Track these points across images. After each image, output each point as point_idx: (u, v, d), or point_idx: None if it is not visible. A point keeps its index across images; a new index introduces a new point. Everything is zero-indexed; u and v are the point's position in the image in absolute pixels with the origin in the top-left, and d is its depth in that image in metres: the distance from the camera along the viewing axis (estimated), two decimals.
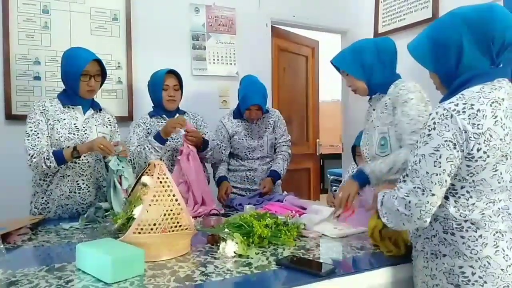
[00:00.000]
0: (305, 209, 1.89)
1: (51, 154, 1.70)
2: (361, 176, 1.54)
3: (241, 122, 2.41)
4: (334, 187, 4.47)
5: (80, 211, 1.85)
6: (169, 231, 1.21)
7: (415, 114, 1.47)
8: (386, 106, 1.60)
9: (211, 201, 1.99)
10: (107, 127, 1.96)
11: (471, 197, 1.01)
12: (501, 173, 0.99)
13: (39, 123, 1.77)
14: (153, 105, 2.18)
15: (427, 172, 0.98)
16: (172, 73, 2.11)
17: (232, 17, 3.01)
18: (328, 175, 4.65)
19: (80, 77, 1.77)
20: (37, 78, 2.43)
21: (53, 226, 1.67)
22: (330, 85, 5.03)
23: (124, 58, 2.64)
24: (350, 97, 3.62)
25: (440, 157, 0.97)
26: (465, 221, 1.01)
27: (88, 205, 1.86)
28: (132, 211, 1.29)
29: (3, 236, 1.42)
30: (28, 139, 1.75)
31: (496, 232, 1.00)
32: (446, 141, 0.96)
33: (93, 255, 1.07)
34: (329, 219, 1.61)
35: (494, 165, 0.97)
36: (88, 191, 1.87)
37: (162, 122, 2.11)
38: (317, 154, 3.90)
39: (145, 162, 1.95)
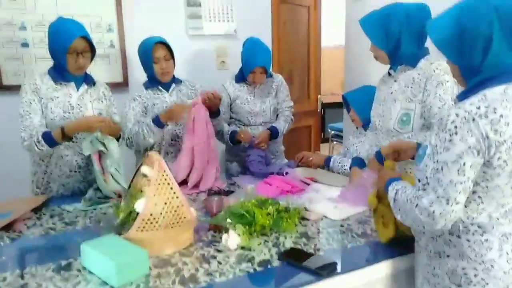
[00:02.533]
0: (307, 184, 1.90)
1: (40, 137, 1.65)
2: (381, 157, 1.52)
3: (244, 86, 2.34)
4: (334, 142, 4.48)
5: (82, 188, 1.86)
6: (171, 226, 1.22)
7: (449, 98, 1.43)
8: (414, 81, 1.53)
9: (215, 161, 1.97)
10: (102, 101, 1.89)
11: (482, 202, 0.99)
12: None
13: (31, 103, 1.71)
14: (147, 75, 2.10)
15: (451, 181, 0.93)
16: (161, 42, 1.98)
17: None
18: (329, 130, 4.63)
19: (66, 54, 1.68)
20: (25, 45, 2.31)
21: (57, 206, 1.68)
22: (333, 30, 4.83)
23: (115, 19, 2.49)
24: (353, 43, 3.43)
25: (464, 164, 0.92)
26: (472, 224, 1.00)
27: (90, 182, 1.86)
28: (133, 205, 1.29)
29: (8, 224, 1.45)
30: (21, 120, 1.70)
31: (502, 235, 1.00)
32: (469, 147, 0.91)
33: (98, 258, 1.09)
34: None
35: (510, 172, 0.95)
36: (88, 169, 1.86)
37: (158, 95, 2.04)
38: (318, 110, 3.84)
39: (142, 143, 1.94)
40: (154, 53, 1.96)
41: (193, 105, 1.91)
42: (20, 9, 2.27)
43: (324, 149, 4.64)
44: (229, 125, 2.40)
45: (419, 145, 1.25)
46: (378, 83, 1.78)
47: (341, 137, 4.08)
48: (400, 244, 1.24)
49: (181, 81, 2.14)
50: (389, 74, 1.68)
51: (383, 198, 1.28)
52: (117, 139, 1.82)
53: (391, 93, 1.63)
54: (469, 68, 1.00)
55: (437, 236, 1.07)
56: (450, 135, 0.93)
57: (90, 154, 1.71)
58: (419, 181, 1.04)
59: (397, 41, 1.53)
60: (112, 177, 1.75)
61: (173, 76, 2.10)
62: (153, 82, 2.05)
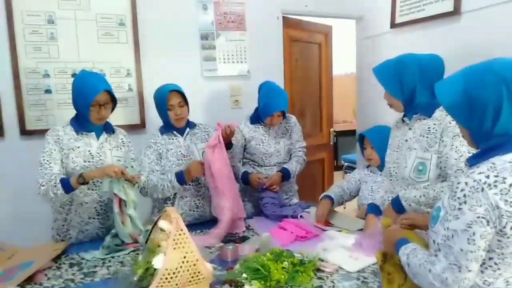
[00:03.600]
0: (322, 229, 1.91)
1: (58, 181, 1.70)
2: (398, 205, 1.58)
3: (259, 127, 2.39)
4: (348, 174, 4.46)
5: (100, 234, 1.90)
6: (188, 284, 1.24)
7: (466, 150, 1.43)
8: (430, 131, 1.55)
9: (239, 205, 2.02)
10: (121, 149, 1.95)
11: (498, 268, 0.99)
12: None
13: (51, 153, 1.78)
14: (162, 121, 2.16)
15: (461, 249, 0.95)
16: (175, 90, 2.05)
17: (241, 12, 2.89)
18: (342, 161, 4.63)
19: (89, 107, 1.76)
20: (48, 91, 2.42)
21: (76, 254, 1.72)
22: (344, 58, 4.90)
23: (133, 64, 2.59)
24: (364, 71, 3.47)
25: (473, 234, 0.93)
26: None
27: (108, 228, 1.90)
28: (151, 260, 1.31)
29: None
30: (40, 169, 1.76)
31: None
32: (478, 217, 0.93)
33: None
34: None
35: None
36: (107, 216, 1.90)
37: (173, 139, 2.10)
38: (331, 143, 3.86)
39: (159, 195, 2.00)
40: (168, 101, 2.02)
41: (213, 145, 1.95)
42: (44, 58, 2.39)
43: (338, 177, 4.64)
44: (242, 165, 2.44)
45: None
46: (392, 129, 1.80)
47: (354, 168, 4.08)
48: None
49: (195, 124, 2.20)
50: (403, 121, 1.70)
51: (389, 257, 1.28)
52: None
53: (406, 140, 1.64)
54: (479, 134, 1.02)
55: None
56: (460, 203, 0.95)
57: (111, 197, 1.76)
58: (434, 242, 1.05)
59: (412, 91, 1.56)
60: (131, 219, 1.79)
61: (188, 120, 2.15)
62: (168, 127, 2.11)
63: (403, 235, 1.20)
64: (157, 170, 2.01)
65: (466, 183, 0.95)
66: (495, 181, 0.92)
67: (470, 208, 0.93)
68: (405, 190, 1.59)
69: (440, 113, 1.55)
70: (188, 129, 2.15)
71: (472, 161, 1.03)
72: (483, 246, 0.95)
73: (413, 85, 1.55)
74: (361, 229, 1.90)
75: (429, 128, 1.56)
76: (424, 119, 1.58)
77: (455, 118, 1.08)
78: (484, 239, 0.94)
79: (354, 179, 2.24)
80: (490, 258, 0.98)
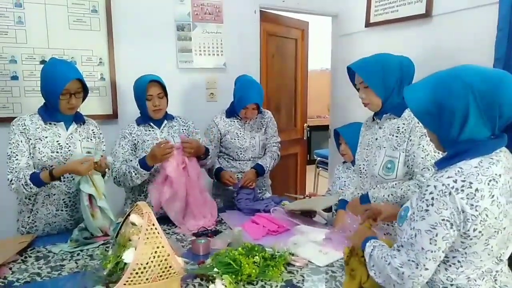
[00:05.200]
0: (294, 222, 1.94)
1: (28, 180, 1.64)
2: (367, 202, 1.62)
3: (234, 121, 2.39)
4: (320, 168, 4.55)
5: (69, 226, 1.86)
6: (159, 279, 1.23)
7: (432, 150, 1.48)
8: (399, 130, 1.59)
9: (208, 214, 2.02)
10: (91, 140, 1.90)
11: (461, 266, 1.04)
12: (491, 246, 1.01)
13: (18, 144, 1.72)
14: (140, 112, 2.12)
15: (422, 248, 0.99)
16: (155, 81, 2.02)
17: (219, 4, 2.86)
18: (315, 156, 4.71)
19: (59, 96, 1.70)
20: (15, 78, 2.31)
21: (42, 247, 1.68)
22: (320, 54, 4.95)
23: (106, 53, 2.52)
24: (339, 67, 3.50)
25: (436, 235, 0.98)
26: (451, 285, 1.06)
27: (77, 220, 1.86)
28: (121, 255, 1.30)
29: None
30: (8, 162, 1.70)
31: None
32: (443, 219, 0.97)
33: None
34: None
35: (486, 240, 1.00)
36: (75, 208, 1.86)
37: (149, 131, 2.07)
38: (305, 138, 3.91)
39: (130, 184, 1.96)
40: (147, 90, 1.99)
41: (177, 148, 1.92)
42: (11, 42, 2.28)
43: (310, 171, 4.71)
44: (218, 158, 2.44)
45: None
46: (362, 127, 1.85)
47: (326, 163, 4.15)
48: None
49: (173, 117, 2.17)
50: (374, 119, 1.74)
51: (355, 252, 1.31)
52: (103, 175, 1.82)
53: (376, 139, 1.69)
54: (446, 139, 1.06)
55: None
56: (427, 205, 0.99)
57: (79, 190, 1.72)
58: (400, 239, 1.09)
59: (391, 90, 1.60)
60: (101, 211, 1.75)
61: (166, 113, 2.12)
62: (145, 118, 2.08)
63: (375, 234, 1.24)
64: (131, 161, 1.98)
65: (435, 187, 0.99)
66: (462, 186, 0.96)
67: (436, 210, 0.97)
68: (374, 189, 1.64)
69: (408, 112, 1.60)
70: (165, 121, 2.12)
71: (440, 165, 1.07)
72: (443, 248, 1.00)
73: (393, 84, 1.58)
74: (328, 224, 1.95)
75: (398, 127, 1.60)
76: (394, 118, 1.63)
77: (423, 124, 1.11)
78: (446, 241, 0.99)
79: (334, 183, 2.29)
80: (454, 257, 1.04)
